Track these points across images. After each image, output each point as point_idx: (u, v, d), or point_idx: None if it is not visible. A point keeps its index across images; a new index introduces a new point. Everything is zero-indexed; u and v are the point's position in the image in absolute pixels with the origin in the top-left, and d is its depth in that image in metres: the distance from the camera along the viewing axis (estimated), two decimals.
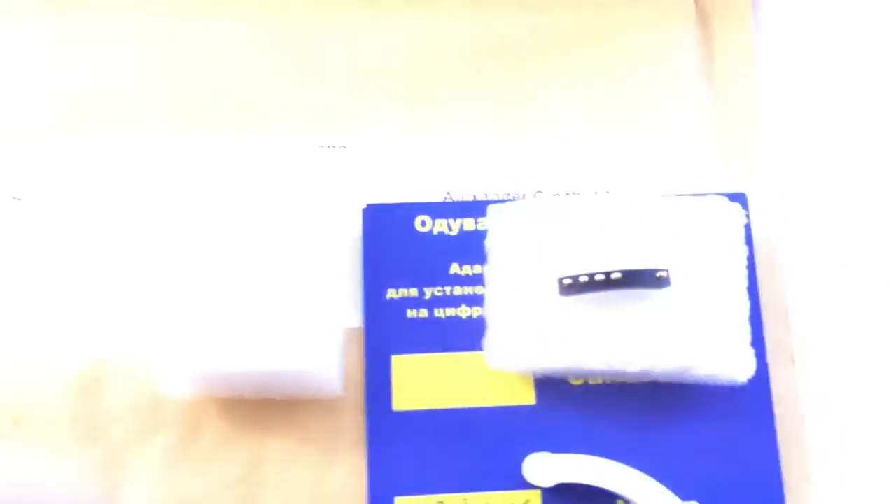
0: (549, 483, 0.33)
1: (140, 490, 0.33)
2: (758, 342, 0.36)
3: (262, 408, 0.34)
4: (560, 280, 0.33)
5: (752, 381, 0.35)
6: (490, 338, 0.34)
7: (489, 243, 0.35)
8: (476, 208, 0.36)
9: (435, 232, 0.36)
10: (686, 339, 0.33)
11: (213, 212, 0.33)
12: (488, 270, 0.34)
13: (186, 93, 0.37)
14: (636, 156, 0.38)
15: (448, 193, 0.37)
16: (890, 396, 0.37)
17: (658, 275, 0.32)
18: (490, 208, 0.35)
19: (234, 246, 0.32)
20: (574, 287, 0.33)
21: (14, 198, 0.36)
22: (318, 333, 0.31)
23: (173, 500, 0.33)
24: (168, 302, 0.32)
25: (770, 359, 0.36)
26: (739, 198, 0.36)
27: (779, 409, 0.36)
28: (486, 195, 0.37)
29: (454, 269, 0.36)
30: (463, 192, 0.37)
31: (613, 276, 0.32)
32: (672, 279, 0.33)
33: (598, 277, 0.32)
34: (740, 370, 0.32)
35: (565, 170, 0.38)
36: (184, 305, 0.31)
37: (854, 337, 0.37)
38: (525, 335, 0.33)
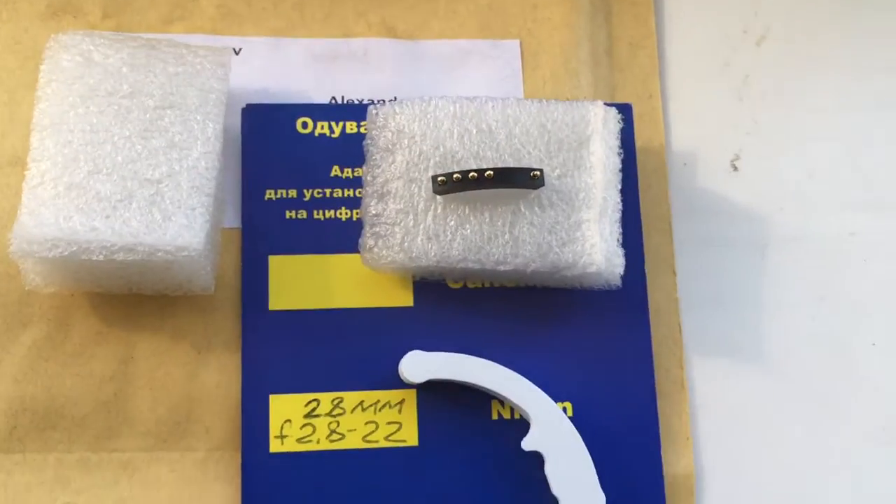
0: (423, 379, 0.33)
1: (9, 387, 0.33)
2: (635, 249, 0.36)
3: (134, 304, 0.34)
4: (434, 178, 0.33)
5: (629, 288, 0.36)
6: (365, 237, 0.34)
7: (367, 143, 0.34)
8: (359, 111, 0.36)
9: (316, 134, 0.36)
10: (558, 237, 0.33)
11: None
12: (366, 171, 0.34)
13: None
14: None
15: (333, 98, 0.37)
16: (769, 310, 0.38)
17: (532, 174, 0.33)
18: (369, 108, 0.35)
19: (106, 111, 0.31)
20: (448, 185, 0.33)
21: None
22: (184, 217, 0.30)
23: (42, 396, 0.33)
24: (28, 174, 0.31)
25: (649, 268, 0.37)
26: (624, 108, 0.37)
27: (656, 317, 0.36)
28: (372, 100, 0.37)
29: (335, 171, 0.36)
30: (351, 98, 0.38)
31: (487, 174, 0.32)
32: (546, 179, 0.33)
33: (472, 175, 0.32)
34: (610, 268, 0.33)
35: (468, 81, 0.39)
36: (40, 174, 0.31)
37: (737, 254, 0.38)
38: (399, 234, 0.33)
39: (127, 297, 0.34)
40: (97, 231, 0.30)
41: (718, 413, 0.36)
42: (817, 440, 0.36)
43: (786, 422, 0.36)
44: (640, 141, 0.38)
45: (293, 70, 0.37)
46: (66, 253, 0.30)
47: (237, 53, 0.37)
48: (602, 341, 0.35)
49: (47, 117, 0.32)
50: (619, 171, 0.34)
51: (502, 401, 0.34)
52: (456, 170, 0.33)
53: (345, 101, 0.37)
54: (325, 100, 0.37)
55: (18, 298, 0.33)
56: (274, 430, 0.33)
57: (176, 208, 0.31)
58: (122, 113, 0.32)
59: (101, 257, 0.30)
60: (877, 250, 0.39)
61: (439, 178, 0.33)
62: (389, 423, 0.34)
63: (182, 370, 0.34)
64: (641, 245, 0.37)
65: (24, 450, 0.33)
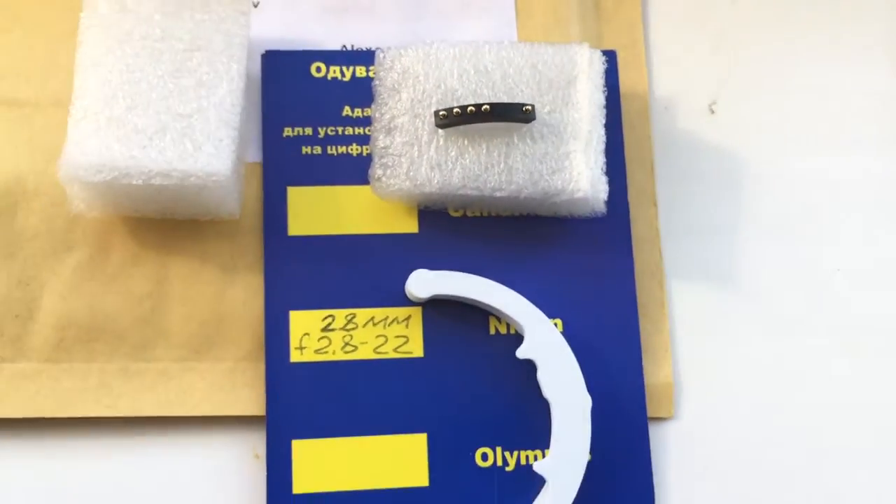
0: (428, 295, 0.37)
1: (56, 304, 0.36)
2: (620, 184, 0.40)
3: (167, 229, 0.37)
4: (436, 113, 0.36)
5: (614, 218, 0.39)
6: (374, 167, 0.37)
7: (376, 83, 0.38)
8: (367, 57, 0.39)
9: (329, 77, 0.39)
10: (548, 166, 0.37)
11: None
12: (374, 108, 0.38)
13: None
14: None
15: (344, 46, 0.41)
16: (741, 239, 0.41)
17: (524, 108, 0.36)
18: (377, 51, 0.38)
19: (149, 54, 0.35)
20: (448, 118, 0.36)
21: None
22: (213, 147, 0.34)
23: (86, 312, 0.36)
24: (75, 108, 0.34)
25: (632, 200, 0.41)
26: (609, 54, 0.40)
27: (638, 245, 0.40)
28: (378, 47, 0.40)
29: (346, 111, 0.39)
30: (360, 46, 0.41)
31: (484, 108, 0.36)
32: (537, 114, 0.37)
33: (470, 110, 0.36)
34: (594, 194, 0.36)
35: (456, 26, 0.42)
36: (83, 109, 0.34)
37: (712, 189, 0.42)
38: (405, 164, 0.37)
39: (161, 223, 0.37)
40: (136, 158, 0.34)
41: (695, 330, 0.40)
42: (784, 354, 0.40)
43: (756, 337, 0.40)
44: (624, 87, 0.42)
45: (307, 21, 0.41)
46: (109, 177, 0.34)
47: (256, 6, 0.40)
48: (590, 265, 0.39)
49: (88, 59, 0.35)
50: (603, 107, 0.38)
51: (499, 317, 0.38)
52: (456, 105, 0.36)
53: (355, 50, 0.41)
54: (336, 48, 0.40)
55: (64, 225, 0.37)
56: (294, 342, 0.37)
57: (205, 139, 0.35)
58: (154, 55, 0.36)
59: (139, 182, 0.34)
60: (840, 186, 0.42)
61: (441, 113, 0.36)
62: (397, 336, 0.37)
63: (211, 289, 0.37)
64: (625, 180, 0.40)
65: (71, 360, 0.36)
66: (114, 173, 0.34)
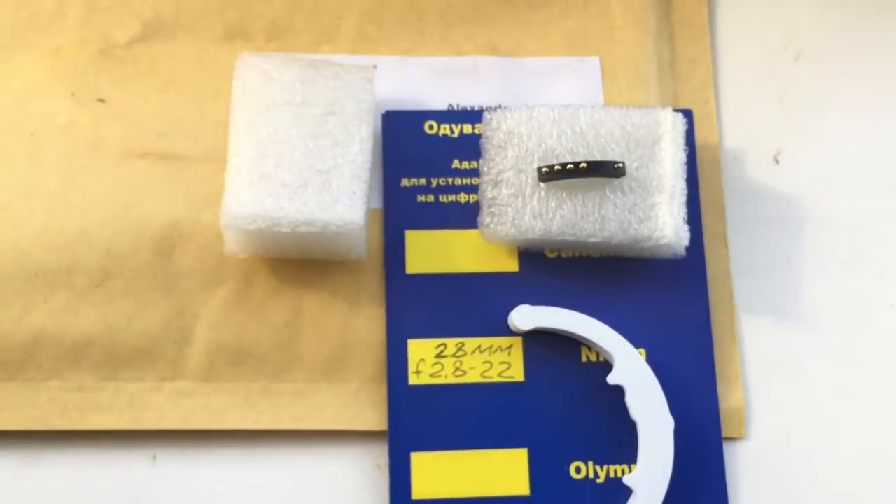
0: (529, 327, 0.42)
1: (208, 331, 0.42)
2: (696, 228, 0.45)
3: (302, 268, 0.43)
4: (539, 169, 0.41)
5: (690, 258, 0.44)
6: (483, 215, 0.42)
7: (483, 141, 0.43)
8: (473, 116, 0.45)
9: (440, 134, 0.45)
10: (636, 216, 0.42)
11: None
12: (482, 163, 0.43)
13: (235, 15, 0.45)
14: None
15: (450, 104, 0.46)
16: (804, 276, 0.46)
17: (616, 165, 0.41)
18: (485, 114, 0.43)
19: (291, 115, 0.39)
20: (550, 174, 0.41)
21: (99, 100, 0.44)
22: (348, 199, 0.39)
23: (234, 339, 0.42)
24: (229, 165, 0.39)
25: (706, 242, 0.45)
26: (686, 112, 0.45)
27: (712, 282, 0.45)
28: (481, 106, 0.45)
29: (455, 164, 0.44)
30: (464, 105, 0.46)
31: (581, 165, 0.41)
32: (627, 170, 0.42)
33: (569, 166, 0.41)
34: (677, 241, 0.41)
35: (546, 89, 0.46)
36: (238, 166, 0.39)
37: (778, 231, 0.46)
38: (511, 213, 0.42)
39: (297, 263, 0.42)
40: (284, 209, 0.39)
41: (762, 359, 0.44)
42: (842, 381, 0.44)
43: (817, 365, 0.45)
44: (698, 139, 0.47)
45: (417, 82, 0.46)
46: (263, 226, 0.39)
47: (374, 68, 0.45)
48: (670, 301, 0.44)
49: (241, 122, 0.41)
50: (685, 163, 0.43)
51: (590, 346, 0.43)
52: (556, 162, 0.41)
53: (460, 108, 0.46)
54: (443, 107, 0.46)
55: (214, 263, 0.42)
56: (412, 367, 0.42)
57: (341, 192, 0.40)
58: (296, 119, 0.41)
59: (287, 230, 0.39)
60: (893, 228, 0.47)
61: (543, 169, 0.41)
62: (501, 362, 0.42)
63: (340, 320, 0.42)
64: (700, 224, 0.45)
65: (221, 380, 0.42)
66: (267, 222, 0.39)
